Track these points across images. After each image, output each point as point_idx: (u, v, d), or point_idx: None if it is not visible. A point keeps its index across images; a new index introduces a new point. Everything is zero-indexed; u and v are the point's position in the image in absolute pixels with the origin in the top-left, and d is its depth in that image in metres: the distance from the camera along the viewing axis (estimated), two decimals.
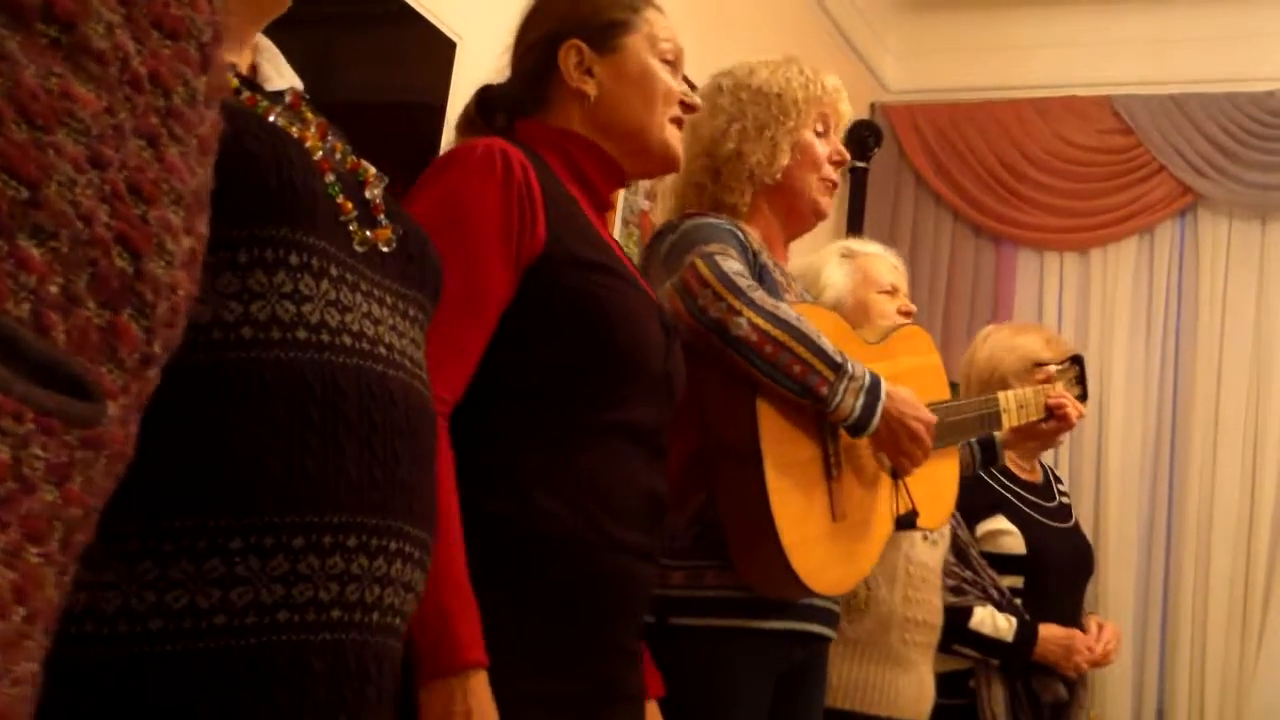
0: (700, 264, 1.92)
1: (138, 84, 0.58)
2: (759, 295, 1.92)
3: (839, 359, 1.95)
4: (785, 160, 2.21)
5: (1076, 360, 2.99)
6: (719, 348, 1.90)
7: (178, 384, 1.00)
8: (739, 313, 1.89)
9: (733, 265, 1.95)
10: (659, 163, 1.84)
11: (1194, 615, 4.69)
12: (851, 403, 1.96)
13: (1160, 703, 4.72)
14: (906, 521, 2.16)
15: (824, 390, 1.93)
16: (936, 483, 2.31)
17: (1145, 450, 4.87)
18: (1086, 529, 4.70)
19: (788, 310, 1.94)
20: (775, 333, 1.90)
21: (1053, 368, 2.97)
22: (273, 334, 1.04)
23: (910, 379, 2.19)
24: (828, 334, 1.99)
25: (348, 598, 1.05)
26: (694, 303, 1.90)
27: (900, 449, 2.05)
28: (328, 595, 1.04)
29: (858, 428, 1.99)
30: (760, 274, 2.08)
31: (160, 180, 0.59)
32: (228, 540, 0.99)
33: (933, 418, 2.08)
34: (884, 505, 2.15)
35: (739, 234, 2.09)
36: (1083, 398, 2.94)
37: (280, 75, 1.27)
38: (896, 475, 2.14)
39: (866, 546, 2.11)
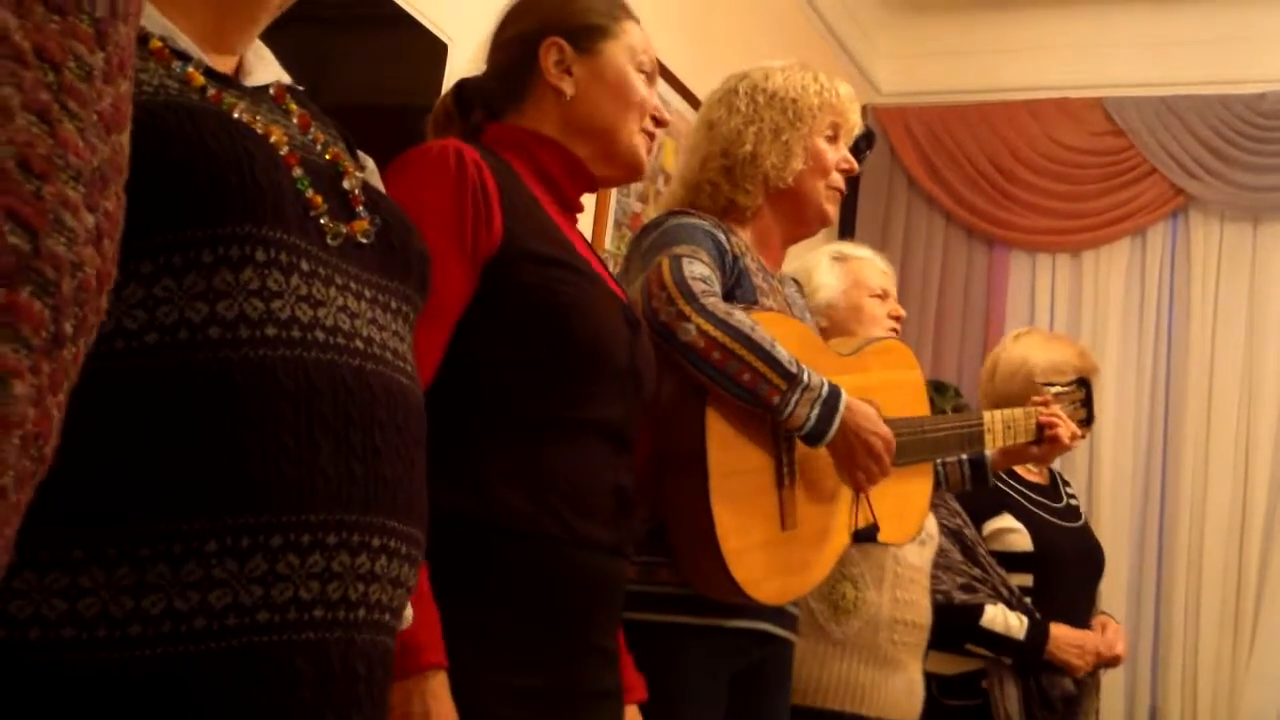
0: (664, 265, 1.93)
1: (21, 58, 0.57)
2: (712, 302, 1.92)
3: (793, 369, 1.94)
4: (799, 165, 2.23)
5: (1083, 383, 2.95)
6: (671, 354, 1.90)
7: (147, 386, 1.00)
8: (688, 318, 1.89)
9: (696, 269, 1.95)
10: (626, 168, 1.85)
11: (1187, 615, 4.70)
12: (805, 412, 1.95)
13: (1153, 702, 4.73)
14: (865, 535, 2.14)
15: (775, 399, 1.93)
16: (904, 498, 2.30)
17: (1137, 451, 4.88)
18: None
19: (742, 318, 1.93)
20: (723, 340, 1.89)
21: (1055, 389, 2.93)
22: (241, 333, 1.03)
23: (883, 392, 2.18)
24: (794, 345, 1.98)
25: (330, 596, 1.04)
26: (649, 304, 1.90)
27: (856, 463, 2.04)
28: (309, 594, 1.02)
29: (813, 437, 1.98)
30: (738, 278, 2.09)
31: (53, 155, 0.58)
32: (203, 543, 0.98)
33: (891, 435, 2.06)
34: (842, 517, 2.14)
35: (719, 235, 2.09)
36: (1087, 421, 2.89)
37: (265, 68, 1.26)
38: (858, 490, 2.13)
39: (819, 557, 2.09)
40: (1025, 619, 2.96)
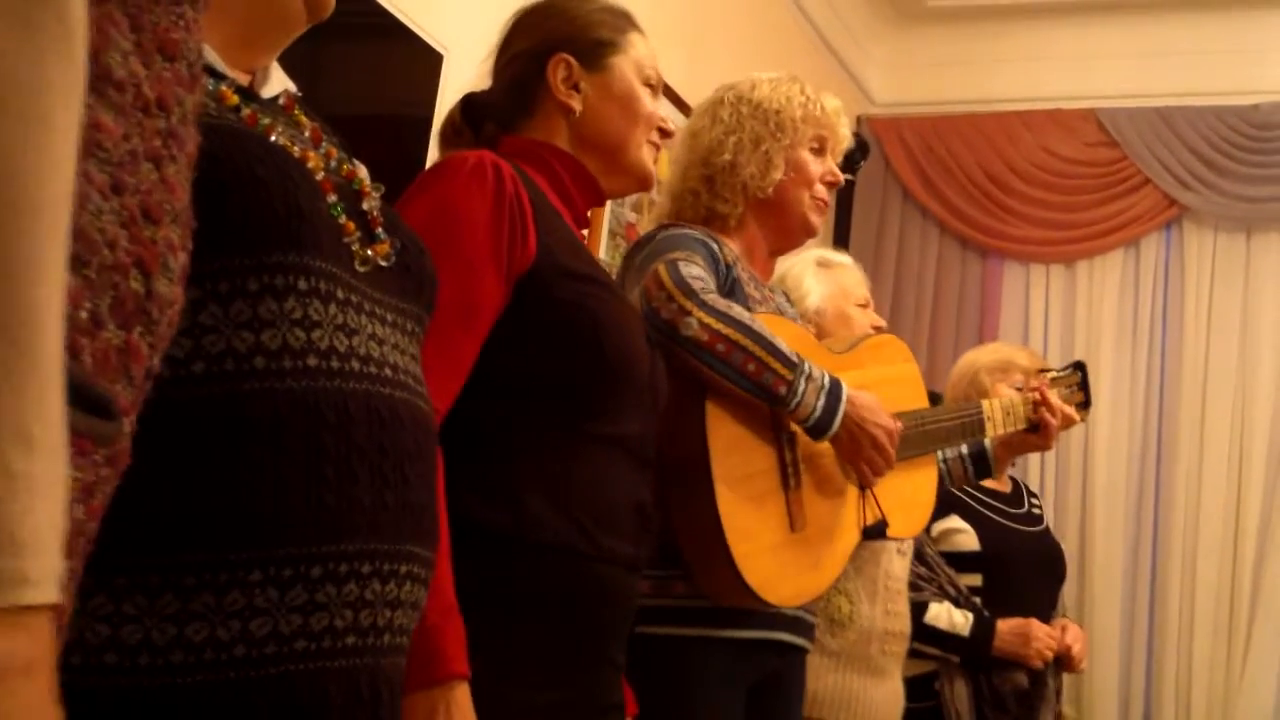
0: (660, 268, 1.94)
1: (147, 108, 0.58)
2: (711, 297, 1.93)
3: (795, 359, 1.95)
4: (778, 175, 2.23)
5: (1079, 366, 2.96)
6: (674, 352, 1.90)
7: (195, 416, 1.01)
8: (689, 313, 1.89)
9: (692, 270, 1.96)
10: (635, 181, 1.86)
11: (1180, 627, 4.70)
12: (812, 402, 1.96)
13: (1146, 712, 4.72)
14: (875, 531, 2.15)
15: (782, 389, 1.93)
16: (909, 491, 2.31)
17: (1131, 462, 4.88)
18: (1072, 541, 4.74)
19: (741, 311, 1.94)
20: (726, 331, 1.90)
21: (1051, 374, 2.93)
22: (284, 363, 1.04)
23: (882, 387, 2.19)
24: (792, 345, 1.98)
25: (361, 624, 1.06)
26: (648, 306, 1.91)
27: (862, 455, 2.05)
28: (343, 622, 1.04)
29: (818, 429, 1.98)
30: (731, 285, 2.10)
31: (164, 201, 0.60)
32: (248, 573, 1.00)
33: (895, 425, 2.07)
34: (850, 515, 2.14)
35: (711, 244, 2.10)
36: (1085, 405, 2.90)
37: (275, 78, 1.26)
38: (863, 484, 2.13)
39: (830, 557, 2.10)
40: (970, 616, 2.98)
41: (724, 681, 2.01)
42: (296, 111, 1.26)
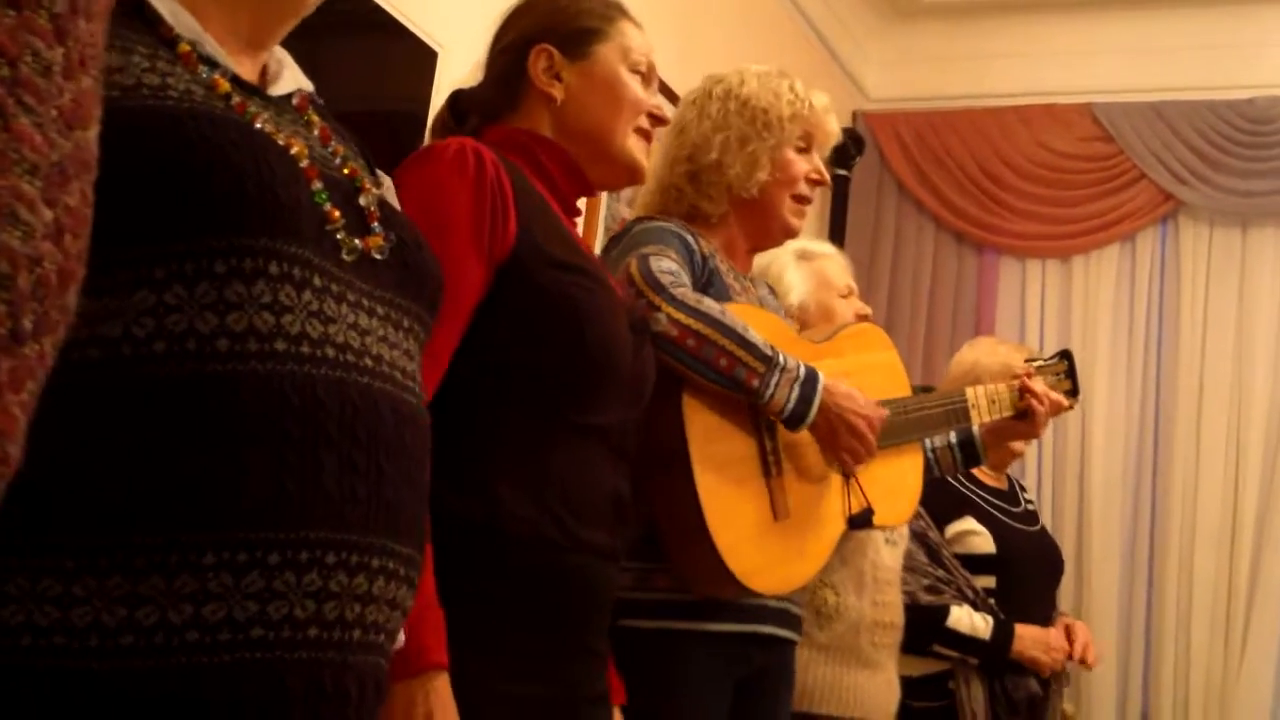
0: (632, 264, 1.93)
1: None
2: (681, 291, 1.91)
3: (769, 351, 1.93)
4: (764, 176, 2.21)
5: (1065, 355, 2.94)
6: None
7: (152, 396, 1.00)
8: (658, 309, 1.88)
9: (664, 264, 1.95)
10: (622, 171, 1.85)
11: (1178, 622, 4.70)
12: (786, 394, 1.95)
13: (1145, 707, 4.72)
14: (861, 520, 2.13)
15: (754, 382, 1.92)
16: (895, 479, 2.29)
17: (1128, 456, 4.88)
18: (1070, 536, 4.75)
19: (712, 305, 1.92)
20: (697, 326, 1.89)
21: (1037, 363, 2.90)
22: (249, 346, 1.02)
23: (862, 376, 2.17)
24: (768, 336, 1.97)
25: (325, 616, 1.04)
26: None
27: (841, 444, 2.03)
28: (304, 613, 1.02)
29: (794, 419, 1.97)
30: (709, 277, 2.09)
31: (6, 149, 0.57)
32: (200, 556, 0.98)
33: (877, 413, 2.05)
34: (835, 504, 2.13)
35: (686, 236, 2.09)
36: (1073, 393, 2.88)
37: (290, 76, 1.26)
38: (847, 473, 2.12)
39: (815, 545, 2.09)
40: (990, 619, 2.98)
41: (709, 676, 2.00)
42: (310, 111, 1.26)
